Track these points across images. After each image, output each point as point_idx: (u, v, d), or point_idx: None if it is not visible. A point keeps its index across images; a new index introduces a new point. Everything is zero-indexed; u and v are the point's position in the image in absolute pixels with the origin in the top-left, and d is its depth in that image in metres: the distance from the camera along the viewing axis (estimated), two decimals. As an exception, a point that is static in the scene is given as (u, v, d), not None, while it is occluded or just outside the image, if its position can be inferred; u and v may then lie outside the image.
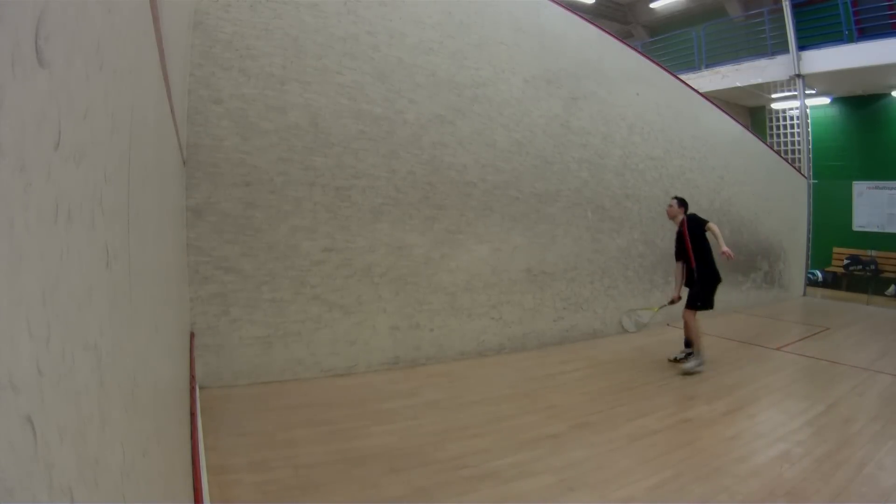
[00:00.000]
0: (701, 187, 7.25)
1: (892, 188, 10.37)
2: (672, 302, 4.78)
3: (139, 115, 0.90)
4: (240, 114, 3.38)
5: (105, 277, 0.59)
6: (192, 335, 3.15)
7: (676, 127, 6.86)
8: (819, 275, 10.85)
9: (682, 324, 4.57)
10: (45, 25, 0.38)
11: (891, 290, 9.94)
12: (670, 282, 6.49)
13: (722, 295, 7.87)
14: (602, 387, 3.69)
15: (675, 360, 4.47)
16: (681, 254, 4.55)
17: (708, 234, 4.35)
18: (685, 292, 4.58)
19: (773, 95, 10.55)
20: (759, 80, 10.45)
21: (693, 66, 11.68)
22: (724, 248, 4.06)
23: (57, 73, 0.41)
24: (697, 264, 4.39)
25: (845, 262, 10.67)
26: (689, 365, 4.22)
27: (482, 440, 2.79)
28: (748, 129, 8.82)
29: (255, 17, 3.44)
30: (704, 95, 7.78)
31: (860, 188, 10.76)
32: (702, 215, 4.57)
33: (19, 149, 0.34)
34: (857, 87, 10.39)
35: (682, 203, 4.67)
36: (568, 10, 5.51)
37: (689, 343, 4.42)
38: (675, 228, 4.64)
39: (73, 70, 0.47)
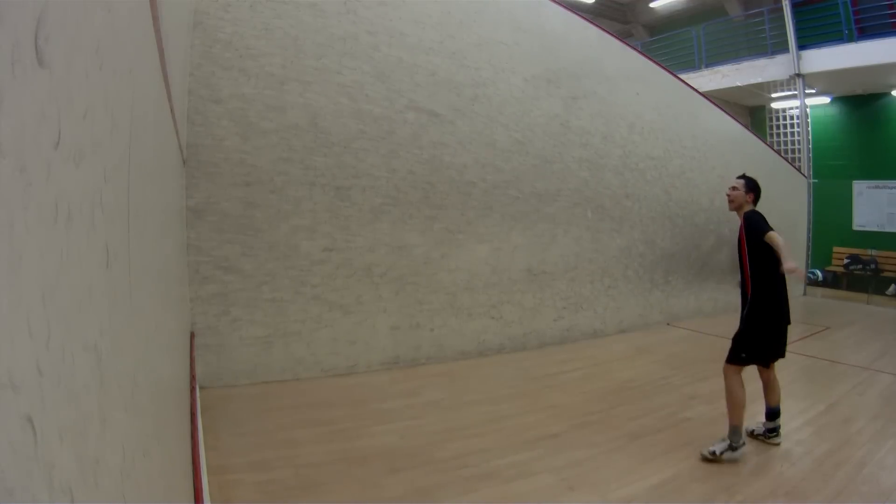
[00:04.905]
0: (701, 187, 7.24)
1: (892, 187, 10.36)
2: None
3: (139, 114, 0.90)
4: (240, 114, 3.38)
5: (105, 277, 0.59)
6: (192, 335, 3.16)
7: (676, 126, 6.86)
8: (819, 274, 10.85)
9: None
10: (45, 25, 0.38)
11: (891, 289, 9.94)
12: (670, 281, 6.50)
13: (721, 294, 7.97)
14: (602, 387, 3.69)
15: (710, 457, 2.65)
16: (738, 266, 3.01)
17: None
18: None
19: (773, 95, 10.54)
20: (759, 80, 10.45)
21: (693, 66, 11.68)
22: (788, 265, 2.57)
23: (57, 73, 0.41)
24: (753, 288, 2.86)
25: (845, 261, 10.66)
26: (717, 448, 2.66)
27: (482, 440, 2.79)
28: (748, 129, 8.82)
29: (255, 17, 3.44)
30: (704, 95, 7.78)
31: (860, 187, 10.75)
32: (769, 219, 2.83)
33: (19, 149, 0.34)
34: (857, 87, 10.38)
35: (752, 187, 2.92)
36: (568, 9, 5.51)
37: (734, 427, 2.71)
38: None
39: (73, 70, 0.47)
